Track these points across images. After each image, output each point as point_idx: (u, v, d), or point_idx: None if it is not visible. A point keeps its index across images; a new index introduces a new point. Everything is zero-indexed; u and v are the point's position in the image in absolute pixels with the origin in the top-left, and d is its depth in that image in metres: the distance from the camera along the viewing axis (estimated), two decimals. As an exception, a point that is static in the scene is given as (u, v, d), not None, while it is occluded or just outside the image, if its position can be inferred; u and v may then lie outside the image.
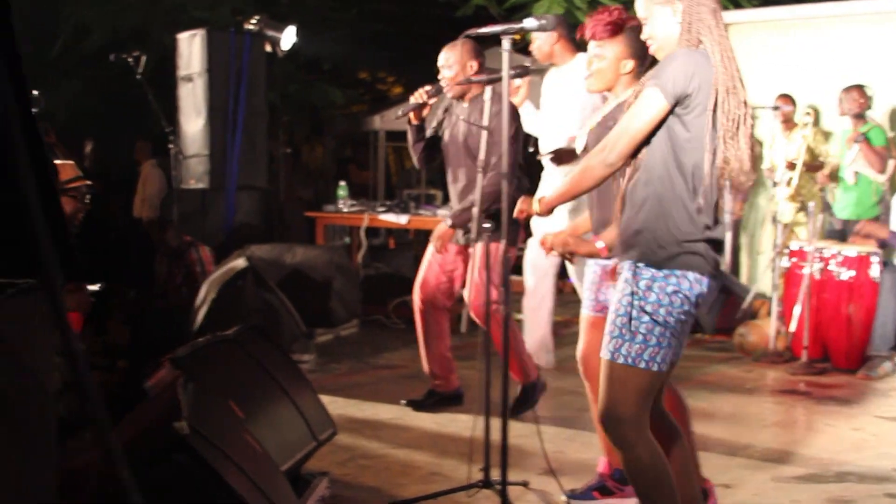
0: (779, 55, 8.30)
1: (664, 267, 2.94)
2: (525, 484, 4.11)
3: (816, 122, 7.99)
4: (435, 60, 5.18)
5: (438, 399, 5.43)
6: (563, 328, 7.32)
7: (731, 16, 8.28)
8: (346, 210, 8.42)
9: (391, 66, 15.53)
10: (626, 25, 3.56)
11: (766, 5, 9.15)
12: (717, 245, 3.02)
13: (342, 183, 8.90)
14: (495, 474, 3.82)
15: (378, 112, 13.58)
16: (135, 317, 5.97)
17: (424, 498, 3.95)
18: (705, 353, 7.17)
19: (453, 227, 5.12)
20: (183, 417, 2.98)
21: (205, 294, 6.20)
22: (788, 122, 7.99)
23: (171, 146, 8.04)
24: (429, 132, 5.33)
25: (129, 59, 7.90)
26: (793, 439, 5.15)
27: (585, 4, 9.52)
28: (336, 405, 5.23)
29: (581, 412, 4.96)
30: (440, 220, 5.53)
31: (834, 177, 7.69)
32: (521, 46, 7.85)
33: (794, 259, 6.80)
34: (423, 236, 8.50)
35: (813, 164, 7.81)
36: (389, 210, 8.22)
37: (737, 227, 8.60)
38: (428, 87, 5.06)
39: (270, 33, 8.39)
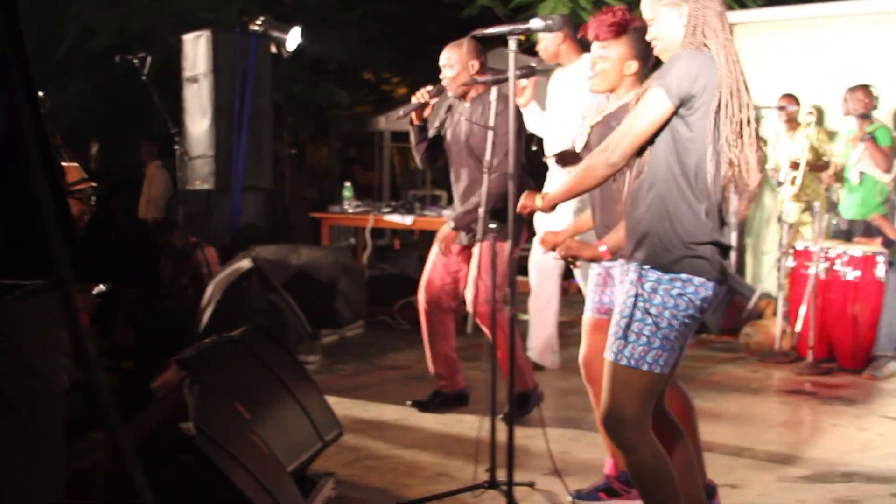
0: (783, 55, 8.29)
1: (670, 270, 2.94)
2: (531, 484, 4.12)
3: (820, 122, 7.98)
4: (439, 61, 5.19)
5: (444, 399, 5.43)
6: (569, 328, 7.31)
7: (736, 16, 8.27)
8: (351, 211, 8.42)
9: (396, 67, 15.53)
10: (629, 26, 3.56)
11: (770, 5, 9.13)
12: (724, 250, 3.01)
13: (347, 184, 8.90)
14: (501, 475, 3.83)
15: (383, 113, 13.57)
16: (140, 318, 5.97)
17: (430, 498, 3.96)
18: (711, 353, 7.17)
19: (456, 229, 5.13)
20: (189, 419, 2.99)
21: (210, 295, 6.21)
22: (792, 122, 7.98)
23: (176, 147, 8.05)
24: (431, 132, 5.33)
25: (135, 61, 7.90)
26: (798, 439, 5.15)
27: (590, 4, 9.50)
28: (342, 406, 5.23)
29: (586, 413, 4.95)
30: (445, 221, 5.53)
31: (839, 177, 7.68)
32: (527, 47, 7.85)
33: (799, 259, 6.80)
34: (428, 237, 8.50)
35: (816, 164, 7.80)
36: (395, 211, 8.22)
37: (742, 227, 8.59)
38: (430, 87, 5.06)
39: (275, 34, 8.39)
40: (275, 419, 3.69)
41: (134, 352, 5.47)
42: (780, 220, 7.42)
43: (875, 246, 6.62)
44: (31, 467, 2.06)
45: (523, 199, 3.52)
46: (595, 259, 3.62)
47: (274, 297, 6.26)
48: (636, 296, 2.97)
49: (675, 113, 2.93)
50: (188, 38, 8.27)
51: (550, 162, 5.72)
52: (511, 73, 3.68)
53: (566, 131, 5.61)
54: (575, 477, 4.14)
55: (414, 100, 5.07)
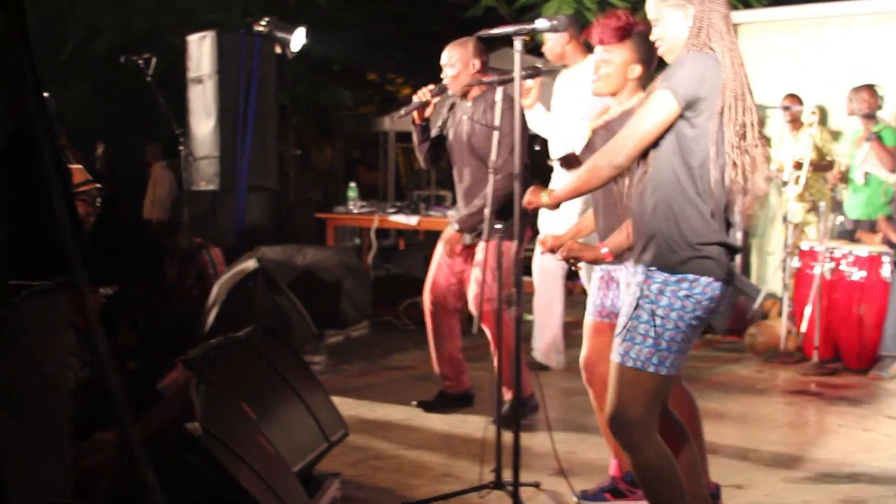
0: (787, 55, 8.28)
1: (677, 271, 2.94)
2: (536, 485, 4.11)
3: (823, 122, 7.97)
4: (444, 61, 5.19)
5: (449, 400, 5.43)
6: (574, 329, 7.29)
7: (740, 16, 8.26)
8: (356, 211, 8.43)
9: (400, 67, 15.54)
10: (633, 30, 3.56)
11: (774, 5, 9.12)
12: (731, 251, 3.01)
13: (352, 184, 8.91)
14: (507, 475, 3.83)
15: (387, 113, 13.59)
16: (144, 319, 5.98)
17: (436, 499, 3.96)
18: (716, 353, 7.16)
19: (460, 231, 5.12)
20: (196, 419, 2.99)
21: (215, 296, 6.21)
22: (796, 122, 7.97)
23: (181, 148, 8.05)
24: (434, 131, 5.33)
25: (140, 62, 7.91)
26: (804, 440, 5.14)
27: (595, 4, 9.50)
28: (347, 406, 5.23)
29: (592, 413, 4.93)
30: (450, 222, 5.53)
31: (845, 177, 7.67)
32: (533, 47, 7.84)
33: (804, 259, 6.80)
34: (433, 237, 8.51)
35: (820, 164, 7.79)
36: (399, 211, 8.22)
37: (747, 227, 8.58)
38: (431, 86, 5.06)
39: (280, 35, 8.39)
40: (281, 419, 3.69)
41: (138, 352, 5.47)
42: (785, 220, 7.41)
43: (880, 246, 6.61)
44: (39, 467, 2.06)
45: (529, 195, 3.52)
46: (597, 261, 3.62)
47: (279, 298, 6.27)
48: (643, 297, 2.97)
49: (681, 115, 2.93)
50: (193, 38, 8.27)
51: (555, 164, 5.72)
52: (517, 73, 3.68)
53: (571, 132, 5.61)
54: (580, 477, 4.14)
55: (415, 99, 5.07)
